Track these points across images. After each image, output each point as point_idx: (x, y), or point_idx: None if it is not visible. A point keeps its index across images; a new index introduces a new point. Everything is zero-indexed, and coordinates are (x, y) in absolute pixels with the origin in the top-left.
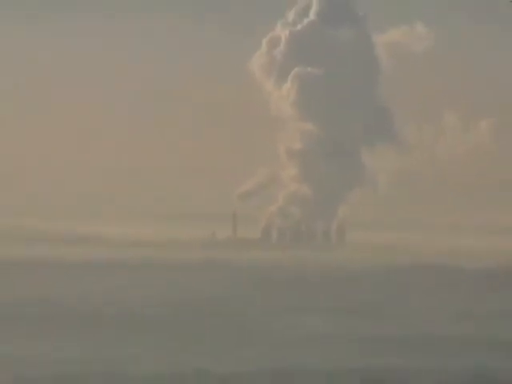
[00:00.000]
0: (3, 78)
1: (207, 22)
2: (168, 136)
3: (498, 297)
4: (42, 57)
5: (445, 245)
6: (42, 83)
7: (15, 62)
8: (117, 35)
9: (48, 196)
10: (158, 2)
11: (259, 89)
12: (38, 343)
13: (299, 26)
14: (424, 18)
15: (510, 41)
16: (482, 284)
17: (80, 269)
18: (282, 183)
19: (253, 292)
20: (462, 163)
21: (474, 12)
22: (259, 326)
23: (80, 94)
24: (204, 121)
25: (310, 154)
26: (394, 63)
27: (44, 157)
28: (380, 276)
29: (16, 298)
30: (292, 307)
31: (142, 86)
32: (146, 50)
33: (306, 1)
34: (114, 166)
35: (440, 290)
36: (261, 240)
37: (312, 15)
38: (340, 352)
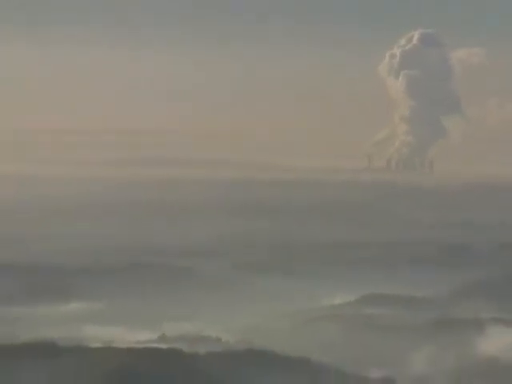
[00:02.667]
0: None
1: (353, 44)
2: (336, 110)
3: None
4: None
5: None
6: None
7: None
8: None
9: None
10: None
11: (384, 82)
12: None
13: (407, 47)
14: (479, 44)
15: None
16: None
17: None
18: (397, 135)
19: (381, 197)
20: (499, 126)
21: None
22: (386, 215)
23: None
24: (350, 101)
25: (413, 118)
26: (461, 69)
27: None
28: (458, 189)
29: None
30: (407, 206)
31: (307, 82)
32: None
33: (411, 33)
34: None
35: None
36: (385, 168)
37: (414, 41)
38: (431, 231)
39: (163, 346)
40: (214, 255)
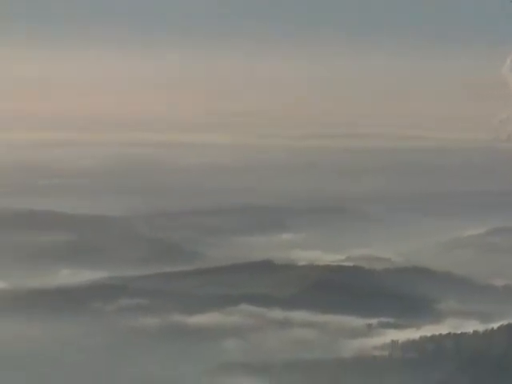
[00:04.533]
0: None
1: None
2: (471, 99)
3: None
4: None
5: None
6: None
7: None
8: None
9: None
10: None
11: (505, 80)
12: None
13: None
14: None
15: None
16: None
17: None
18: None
19: (501, 161)
20: None
21: None
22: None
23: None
24: (482, 93)
25: None
26: None
27: None
28: None
29: None
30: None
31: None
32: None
33: None
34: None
35: None
36: (507, 140)
37: None
38: None
39: (350, 263)
40: (384, 202)
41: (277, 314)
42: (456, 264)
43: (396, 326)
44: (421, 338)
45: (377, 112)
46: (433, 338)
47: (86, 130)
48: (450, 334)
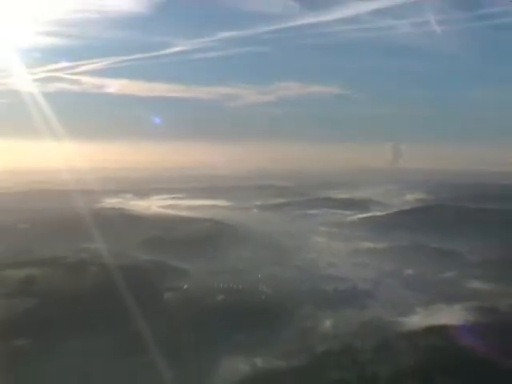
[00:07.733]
0: None
1: None
2: None
3: None
4: None
5: None
6: None
7: None
8: None
9: None
10: None
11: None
12: None
13: None
14: None
15: None
16: None
17: None
18: None
19: None
20: None
21: None
22: None
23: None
24: None
25: None
26: None
27: None
28: None
29: None
30: None
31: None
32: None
33: None
34: None
35: None
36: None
37: None
38: None
39: (361, 201)
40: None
41: (349, 214)
42: (374, 196)
43: (350, 210)
44: (362, 217)
45: None
46: (367, 217)
47: None
48: (373, 215)
